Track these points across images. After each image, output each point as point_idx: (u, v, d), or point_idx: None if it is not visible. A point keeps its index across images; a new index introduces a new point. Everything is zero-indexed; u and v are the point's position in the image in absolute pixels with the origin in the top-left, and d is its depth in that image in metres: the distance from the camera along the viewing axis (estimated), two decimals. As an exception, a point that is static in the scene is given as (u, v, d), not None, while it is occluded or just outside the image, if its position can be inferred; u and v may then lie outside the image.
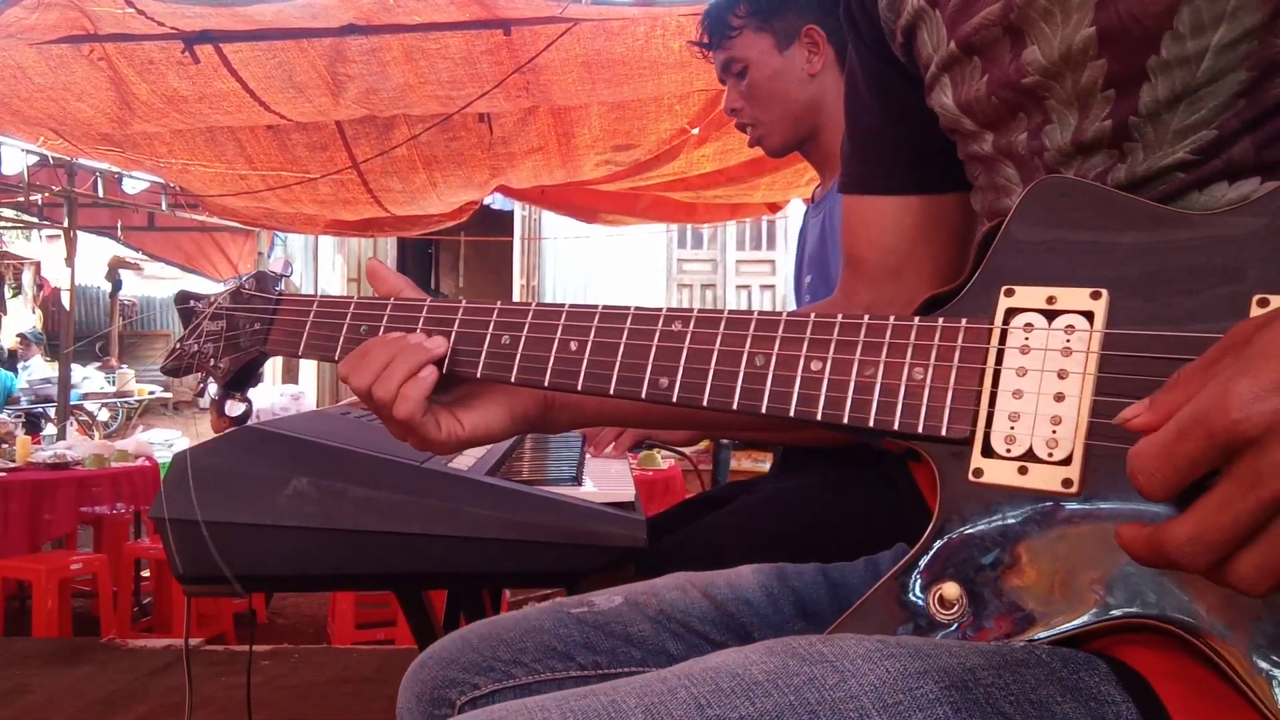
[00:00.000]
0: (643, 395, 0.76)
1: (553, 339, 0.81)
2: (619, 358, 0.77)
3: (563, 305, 0.82)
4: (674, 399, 0.75)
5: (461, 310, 0.85)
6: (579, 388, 0.79)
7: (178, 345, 1.04)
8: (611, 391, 0.77)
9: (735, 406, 0.72)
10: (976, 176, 0.82)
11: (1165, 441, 0.49)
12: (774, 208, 7.24)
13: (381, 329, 0.89)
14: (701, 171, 6.08)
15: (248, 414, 1.05)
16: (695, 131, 5.41)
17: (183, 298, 1.06)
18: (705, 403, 0.73)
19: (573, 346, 0.80)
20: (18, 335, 11.39)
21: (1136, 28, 0.65)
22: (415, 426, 0.85)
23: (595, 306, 0.80)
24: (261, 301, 0.99)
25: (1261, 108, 0.63)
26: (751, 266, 12.20)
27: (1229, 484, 0.47)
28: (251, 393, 1.04)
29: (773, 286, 11.90)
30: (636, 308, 0.78)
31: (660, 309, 0.77)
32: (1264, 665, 0.53)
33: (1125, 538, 0.51)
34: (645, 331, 0.77)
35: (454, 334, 0.85)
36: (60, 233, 7.79)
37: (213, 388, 1.00)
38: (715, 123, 5.18)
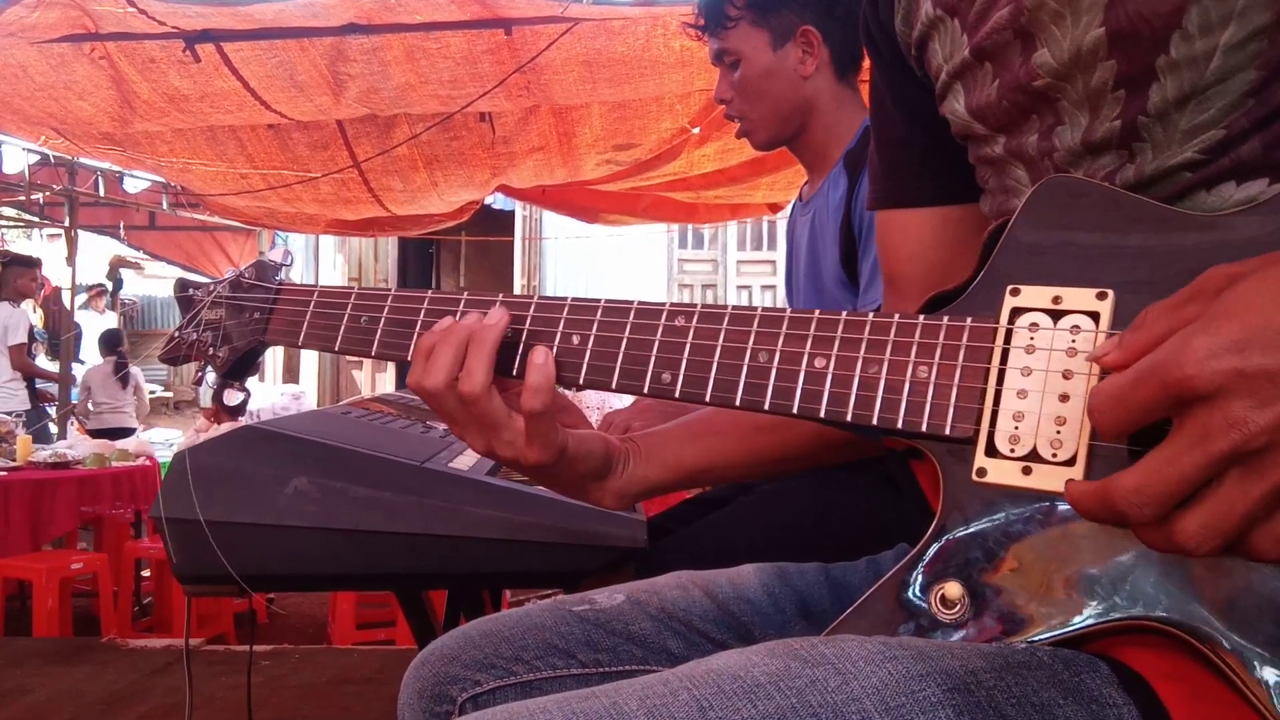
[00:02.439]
0: (645, 390, 0.75)
1: (555, 331, 0.80)
2: (621, 351, 0.77)
3: (565, 299, 0.81)
4: (676, 394, 0.74)
5: (464, 302, 0.85)
6: (580, 381, 0.79)
7: (176, 334, 1.03)
8: (613, 386, 0.77)
9: (738, 403, 0.72)
10: (986, 179, 0.82)
11: (1122, 385, 0.50)
12: (775, 208, 7.25)
13: (382, 319, 0.88)
14: (702, 171, 6.08)
15: (244, 405, 1.04)
16: (696, 131, 5.41)
17: (181, 286, 1.05)
18: (708, 398, 0.73)
19: (575, 340, 0.79)
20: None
21: (1145, 28, 0.65)
22: (542, 418, 0.79)
23: (598, 300, 0.80)
24: (261, 291, 0.98)
25: (1270, 107, 0.62)
26: (752, 267, 12.21)
27: (1178, 437, 0.48)
28: (251, 391, 1.03)
29: (773, 286, 11.91)
30: (640, 302, 0.78)
31: (663, 303, 0.77)
32: (1264, 667, 0.53)
33: (1073, 493, 0.52)
34: (648, 326, 0.77)
35: None
36: (61, 232, 7.79)
37: (211, 376, 1.00)
38: (716, 122, 5.18)
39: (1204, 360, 0.47)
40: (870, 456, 1.06)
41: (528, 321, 0.82)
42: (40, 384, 7.16)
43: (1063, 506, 0.60)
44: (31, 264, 7.17)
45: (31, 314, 7.59)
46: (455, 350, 0.79)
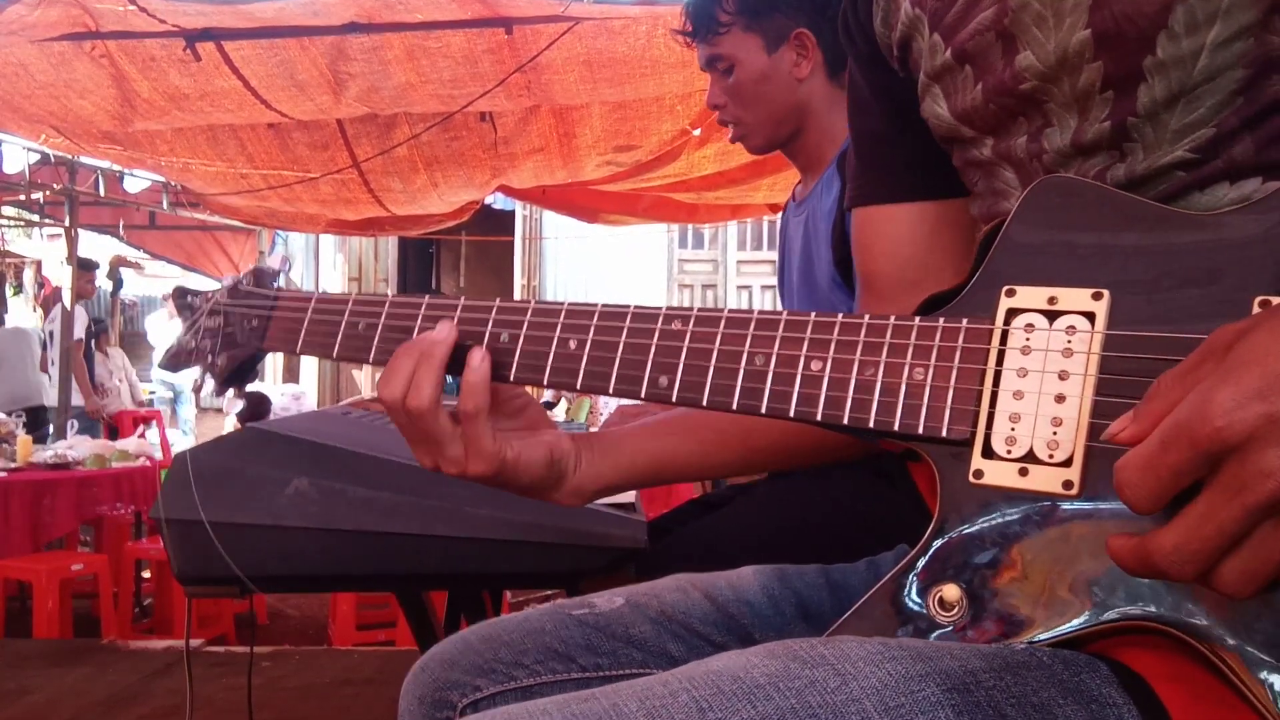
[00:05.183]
0: (642, 395, 0.75)
1: (552, 336, 0.80)
2: (618, 356, 0.77)
3: (562, 303, 0.81)
4: (673, 398, 0.74)
5: (460, 308, 0.85)
6: (578, 386, 0.79)
7: (176, 341, 1.04)
8: (610, 390, 0.77)
9: (735, 406, 0.72)
10: (975, 183, 0.82)
11: (1149, 453, 0.49)
12: (775, 208, 7.24)
13: (379, 325, 0.88)
14: (703, 173, 6.09)
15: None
16: (697, 133, 5.41)
17: (180, 293, 1.06)
18: (705, 402, 0.73)
19: (572, 345, 0.79)
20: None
21: (1131, 28, 0.65)
22: (476, 420, 0.80)
23: (595, 305, 0.80)
24: (259, 298, 0.98)
25: (1259, 105, 0.63)
26: (752, 267, 12.22)
27: (1213, 492, 0.47)
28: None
29: (773, 286, 11.85)
30: (636, 306, 0.78)
31: (660, 308, 0.77)
32: (1264, 668, 0.53)
33: (1114, 548, 0.52)
34: (645, 330, 0.77)
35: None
36: (61, 231, 7.81)
37: (210, 384, 1.00)
38: (716, 124, 5.18)
39: (1231, 411, 0.46)
40: (855, 458, 1.06)
41: (524, 326, 0.82)
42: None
43: (1060, 507, 0.60)
44: (87, 266, 7.36)
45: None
46: (409, 366, 0.81)
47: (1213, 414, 0.46)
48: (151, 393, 11.33)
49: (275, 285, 0.99)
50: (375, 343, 0.88)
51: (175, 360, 1.03)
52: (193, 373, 1.02)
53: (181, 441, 8.55)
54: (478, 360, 0.80)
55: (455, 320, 0.84)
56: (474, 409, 0.80)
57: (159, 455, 5.33)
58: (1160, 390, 0.51)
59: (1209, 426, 0.46)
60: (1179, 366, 0.51)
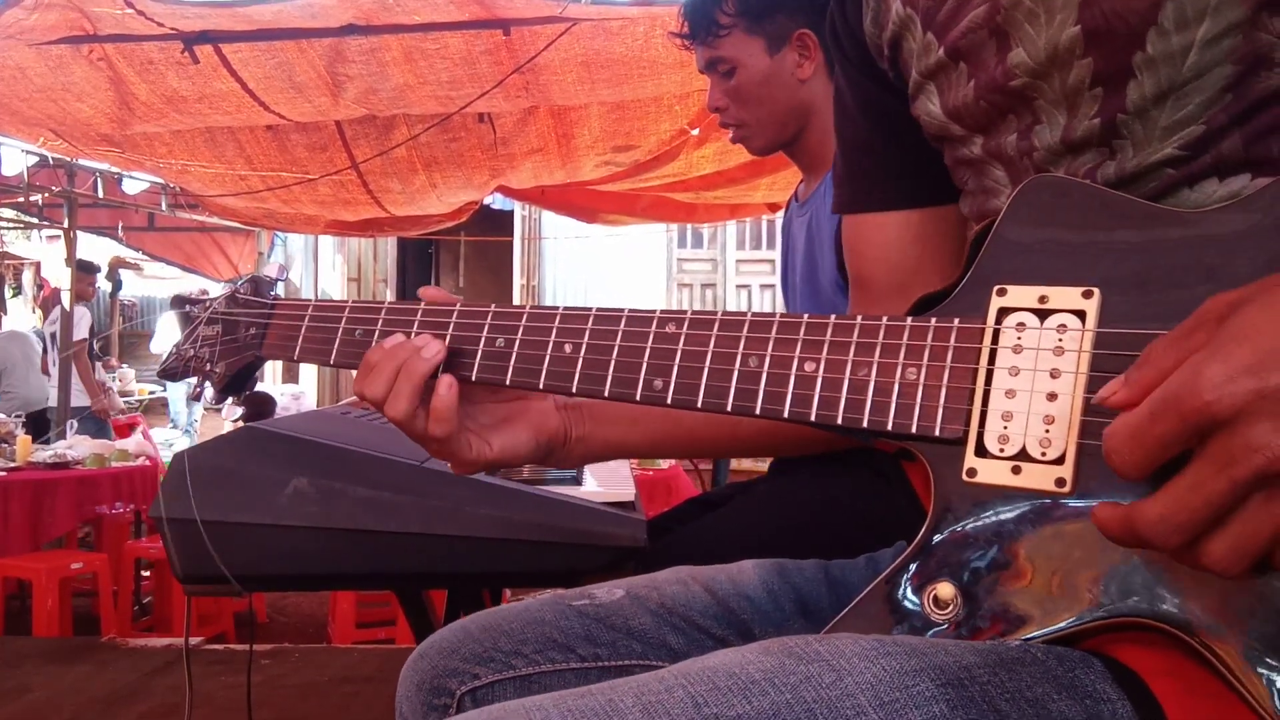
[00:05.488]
0: (637, 397, 0.76)
1: (547, 341, 0.81)
2: (613, 359, 0.78)
3: (557, 308, 0.82)
4: (668, 400, 0.75)
5: (456, 314, 0.86)
6: (574, 390, 0.79)
7: (174, 349, 1.04)
8: (606, 394, 0.78)
9: (729, 408, 0.72)
10: (965, 181, 0.82)
11: (1138, 422, 0.49)
12: (774, 208, 7.24)
13: (376, 333, 0.89)
14: (701, 173, 6.08)
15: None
16: (695, 132, 5.41)
17: (178, 302, 1.07)
18: (700, 404, 0.73)
19: (567, 349, 0.80)
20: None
21: (1121, 25, 0.65)
22: (448, 442, 0.85)
23: (589, 309, 0.80)
24: (256, 306, 0.99)
25: (1248, 102, 0.63)
26: (751, 266, 12.19)
27: (1200, 464, 0.48)
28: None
29: (772, 286, 11.88)
30: (630, 309, 0.79)
31: (654, 310, 0.77)
32: (1258, 663, 0.53)
33: (1099, 516, 0.52)
34: (639, 334, 0.77)
35: (448, 337, 0.85)
36: (60, 233, 7.80)
37: (209, 391, 1.01)
38: (715, 123, 5.16)
39: (1221, 385, 0.46)
40: (844, 450, 1.07)
41: (520, 331, 0.82)
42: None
43: (1053, 505, 0.61)
44: (88, 269, 7.38)
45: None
46: (390, 373, 0.84)
47: (1202, 388, 0.47)
48: (151, 392, 11.33)
49: (272, 294, 1.00)
50: None
51: (174, 368, 1.04)
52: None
53: (183, 442, 8.54)
54: (444, 388, 0.83)
55: (449, 331, 0.86)
56: (444, 434, 0.84)
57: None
58: (1151, 357, 0.51)
59: (1198, 400, 0.47)
60: (1171, 333, 0.51)
